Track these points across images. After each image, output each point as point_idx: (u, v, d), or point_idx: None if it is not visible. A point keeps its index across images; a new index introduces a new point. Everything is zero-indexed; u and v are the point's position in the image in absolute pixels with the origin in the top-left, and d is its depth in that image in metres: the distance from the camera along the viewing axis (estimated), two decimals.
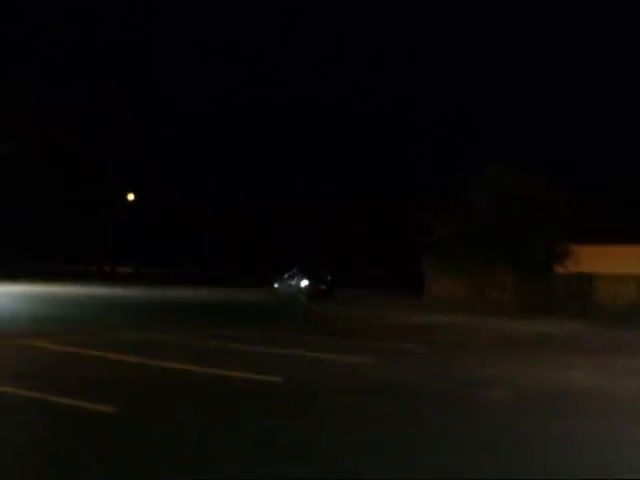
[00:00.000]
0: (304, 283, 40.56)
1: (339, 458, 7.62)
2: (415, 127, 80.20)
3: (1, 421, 8.94)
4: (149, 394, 11.01)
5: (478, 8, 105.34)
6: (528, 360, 16.31)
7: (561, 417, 10.03)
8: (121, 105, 76.33)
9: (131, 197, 72.20)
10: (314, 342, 18.37)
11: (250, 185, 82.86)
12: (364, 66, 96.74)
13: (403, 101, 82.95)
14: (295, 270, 41.88)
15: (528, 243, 36.48)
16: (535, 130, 68.32)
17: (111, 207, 74.81)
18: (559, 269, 36.91)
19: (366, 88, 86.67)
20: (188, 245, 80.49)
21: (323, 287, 40.72)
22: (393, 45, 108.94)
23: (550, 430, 9.13)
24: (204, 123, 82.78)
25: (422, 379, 12.99)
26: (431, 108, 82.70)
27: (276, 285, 41.97)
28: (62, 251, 77.95)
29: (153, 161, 79.60)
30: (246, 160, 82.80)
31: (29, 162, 71.52)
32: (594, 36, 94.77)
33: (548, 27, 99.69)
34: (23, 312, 25.74)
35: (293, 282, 41.05)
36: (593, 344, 20.77)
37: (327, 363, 14.72)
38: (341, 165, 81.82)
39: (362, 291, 50.39)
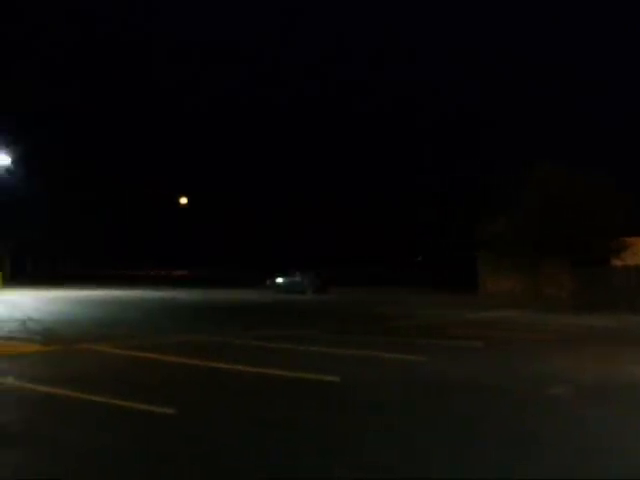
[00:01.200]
0: (305, 280, 49.95)
1: (405, 456, 7.58)
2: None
3: (66, 424, 9.05)
4: (207, 395, 11.06)
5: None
6: (588, 355, 16.04)
7: (631, 414, 9.85)
8: (175, 111, 76.76)
9: (184, 201, 72.84)
10: (369, 341, 18.26)
11: (289, 188, 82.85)
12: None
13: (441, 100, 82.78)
14: (296, 270, 51.34)
15: (584, 238, 35.93)
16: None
17: (164, 211, 75.65)
18: (617, 263, 36.30)
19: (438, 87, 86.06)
20: (239, 246, 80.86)
21: (319, 284, 49.81)
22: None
23: (622, 428, 8.97)
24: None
25: (482, 376, 12.83)
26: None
27: (279, 280, 51.13)
28: (115, 255, 79.04)
29: (203, 165, 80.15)
30: (290, 162, 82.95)
31: (79, 168, 72.61)
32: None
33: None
34: (81, 317, 26.21)
35: (295, 279, 50.48)
36: None
37: (383, 361, 14.64)
38: (383, 164, 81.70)
39: (411, 290, 50.16)
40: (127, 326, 22.68)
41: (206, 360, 14.16)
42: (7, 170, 56.00)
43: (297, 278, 50.07)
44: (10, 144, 55.91)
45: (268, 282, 51.86)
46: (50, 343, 17.04)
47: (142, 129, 77.75)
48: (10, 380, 11.89)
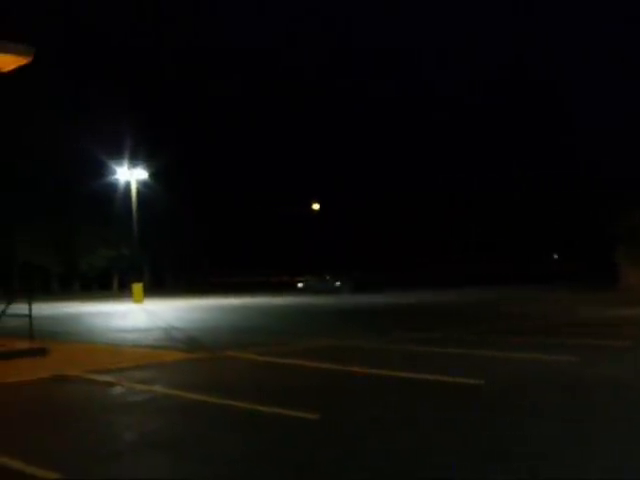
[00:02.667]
0: (337, 283, 59.96)
1: (560, 459, 7.25)
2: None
3: (213, 430, 9.13)
4: (349, 400, 10.97)
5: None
6: None
7: None
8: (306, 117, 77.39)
9: (316, 207, 73.57)
10: (508, 342, 17.81)
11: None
12: None
13: None
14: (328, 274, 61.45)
15: None
16: None
17: (297, 217, 76.66)
18: None
19: None
20: (370, 251, 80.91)
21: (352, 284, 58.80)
22: None
23: None
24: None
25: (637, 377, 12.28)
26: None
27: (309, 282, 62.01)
28: (249, 263, 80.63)
29: (335, 171, 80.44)
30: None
31: (213, 178, 74.42)
32: None
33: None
34: (221, 324, 26.78)
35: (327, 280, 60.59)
36: None
37: (527, 363, 14.16)
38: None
39: (548, 287, 48.87)
40: (266, 332, 22.99)
41: (345, 364, 14.09)
42: (145, 183, 58.19)
43: None
44: (147, 158, 58.10)
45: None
46: (194, 351, 17.43)
47: (272, 136, 78.68)
48: (158, 387, 12.17)
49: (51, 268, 79.09)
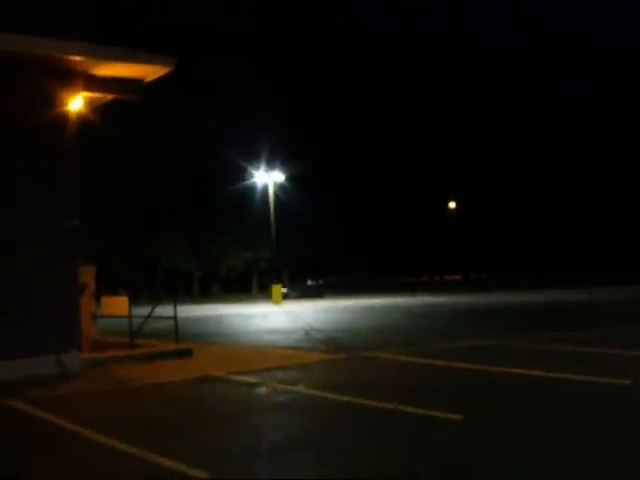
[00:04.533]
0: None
1: None
2: None
3: (356, 431, 9.09)
4: (494, 401, 10.70)
5: None
6: None
7: None
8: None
9: (452, 205, 72.79)
10: None
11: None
12: None
13: None
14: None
15: None
16: None
17: (433, 216, 76.02)
18: None
19: None
20: (513, 250, 79.22)
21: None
22: None
23: None
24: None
25: None
26: None
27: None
28: (393, 263, 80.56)
29: (472, 169, 79.26)
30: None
31: (350, 180, 74.65)
32: None
33: None
34: (360, 325, 26.86)
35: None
36: None
37: None
38: None
39: None
40: (406, 332, 22.86)
41: (490, 365, 13.78)
42: (282, 186, 59.11)
43: None
44: (284, 161, 59.00)
45: None
46: (333, 351, 17.49)
47: (410, 137, 78.28)
48: (301, 388, 12.24)
49: (192, 272, 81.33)
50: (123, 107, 19.64)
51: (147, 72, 16.07)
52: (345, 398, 11.02)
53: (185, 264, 77.21)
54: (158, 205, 68.06)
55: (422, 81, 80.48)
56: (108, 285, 61.06)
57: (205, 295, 79.68)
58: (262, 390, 12.41)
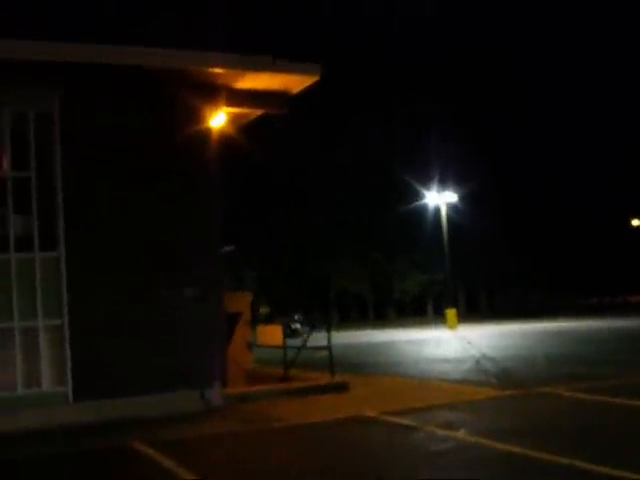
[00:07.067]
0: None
1: None
2: None
3: None
4: None
5: None
6: None
7: None
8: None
9: (636, 222, 68.51)
10: None
11: None
12: None
13: None
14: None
15: None
16: None
17: (614, 233, 71.80)
18: None
19: None
20: None
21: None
22: None
23: None
24: None
25: None
26: None
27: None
28: (573, 284, 76.67)
29: None
30: None
31: (522, 196, 71.78)
32: None
33: None
34: (536, 353, 24.28)
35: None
36: None
37: None
38: None
39: None
40: (591, 363, 20.29)
41: None
42: (454, 207, 57.18)
43: None
44: (456, 183, 57.13)
45: None
46: (506, 386, 15.48)
47: (582, 149, 74.01)
48: (461, 434, 10.53)
49: (366, 296, 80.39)
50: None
51: (292, 83, 14.98)
52: (513, 449, 9.21)
53: (358, 287, 76.36)
54: (326, 226, 67.54)
55: (604, 91, 75.93)
56: (279, 311, 61.29)
57: (380, 319, 78.51)
58: (417, 435, 10.83)
